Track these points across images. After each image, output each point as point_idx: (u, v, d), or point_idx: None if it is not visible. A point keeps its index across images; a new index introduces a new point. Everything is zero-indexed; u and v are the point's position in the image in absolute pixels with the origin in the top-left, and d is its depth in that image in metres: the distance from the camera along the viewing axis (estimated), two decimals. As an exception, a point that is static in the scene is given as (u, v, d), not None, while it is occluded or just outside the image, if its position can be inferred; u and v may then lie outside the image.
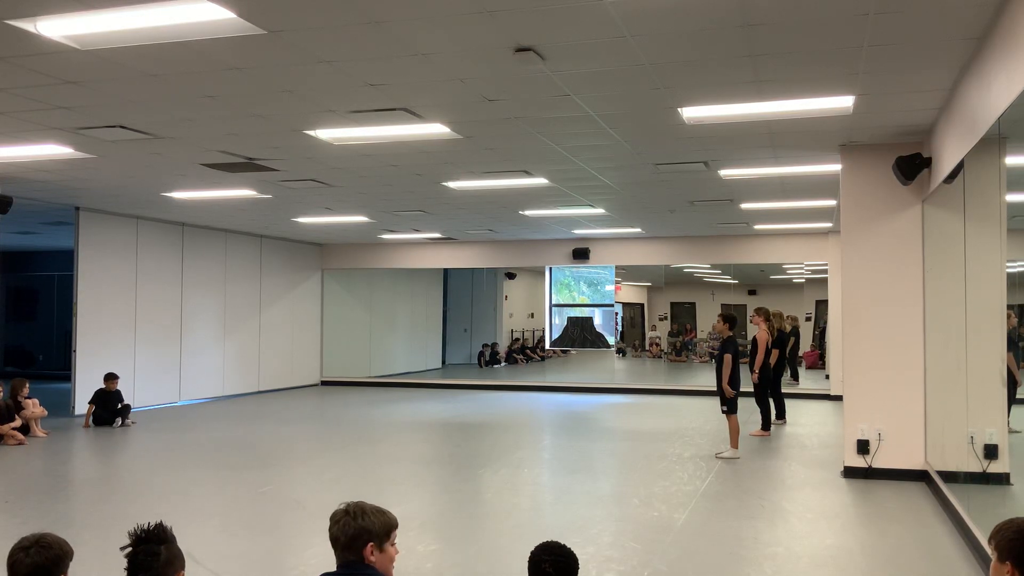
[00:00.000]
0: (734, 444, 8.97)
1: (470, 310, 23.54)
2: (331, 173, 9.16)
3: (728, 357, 8.92)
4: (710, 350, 22.29)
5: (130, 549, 2.37)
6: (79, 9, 4.32)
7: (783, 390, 11.66)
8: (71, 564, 2.47)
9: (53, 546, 2.40)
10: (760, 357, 10.69)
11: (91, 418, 11.31)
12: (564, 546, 2.63)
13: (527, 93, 5.93)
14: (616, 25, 4.55)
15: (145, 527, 2.39)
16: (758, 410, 10.76)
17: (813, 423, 11.80)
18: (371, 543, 2.56)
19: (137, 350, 13.08)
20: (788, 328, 14.42)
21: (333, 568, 2.62)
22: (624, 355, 24.61)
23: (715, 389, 9.23)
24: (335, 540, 2.59)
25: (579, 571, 2.62)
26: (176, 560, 2.40)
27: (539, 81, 5.60)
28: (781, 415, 11.43)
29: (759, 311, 10.87)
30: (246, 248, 15.62)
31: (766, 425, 10.68)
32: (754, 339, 10.92)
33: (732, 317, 9.19)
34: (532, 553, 2.61)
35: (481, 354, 22.25)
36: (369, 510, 2.61)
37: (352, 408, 13.84)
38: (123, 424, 11.30)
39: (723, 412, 9.06)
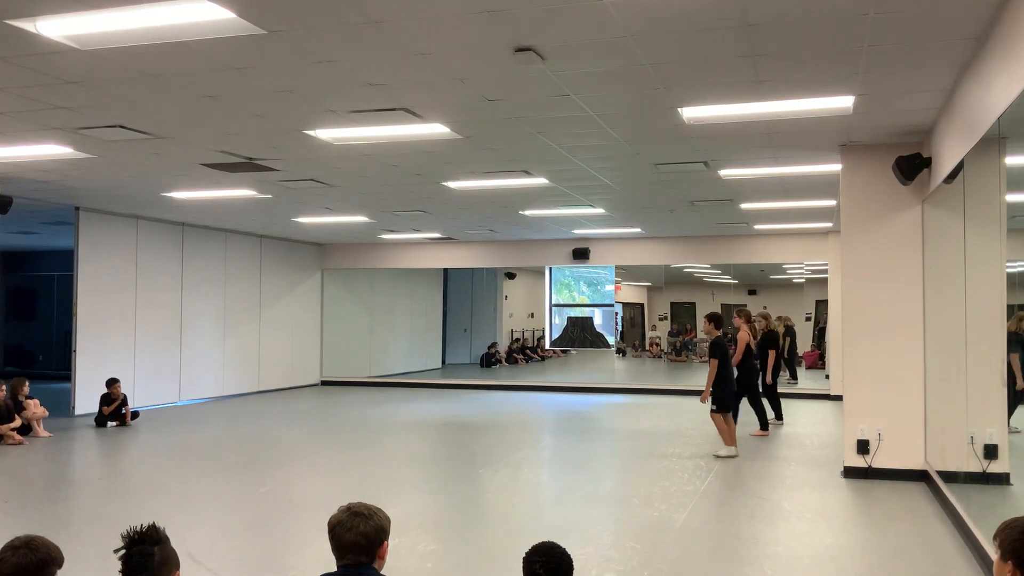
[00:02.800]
0: (727, 442, 8.96)
1: (470, 310, 23.54)
2: (331, 173, 9.16)
3: (714, 363, 8.97)
4: (709, 350, 22.25)
5: (124, 551, 2.33)
6: (79, 9, 4.32)
7: (779, 391, 11.65)
8: (64, 569, 2.38)
9: (40, 550, 2.32)
10: (739, 356, 10.61)
11: (98, 416, 11.33)
12: (557, 546, 2.60)
13: (527, 93, 5.93)
14: (616, 25, 4.55)
15: (138, 528, 2.35)
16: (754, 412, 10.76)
17: (813, 423, 11.80)
18: (385, 541, 2.58)
19: (137, 350, 13.08)
20: (782, 329, 14.40)
21: (332, 568, 2.60)
22: (624, 355, 24.60)
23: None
24: (352, 544, 2.52)
25: (574, 572, 2.60)
26: (170, 560, 2.37)
27: (539, 81, 5.60)
28: (777, 416, 11.42)
29: (740, 312, 10.92)
30: (246, 248, 15.61)
31: (764, 425, 10.68)
32: (734, 339, 10.94)
33: (717, 316, 9.23)
34: (525, 554, 2.59)
35: (490, 355, 22.15)
36: (374, 508, 2.62)
37: (352, 408, 13.83)
38: (119, 424, 11.31)
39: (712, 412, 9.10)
